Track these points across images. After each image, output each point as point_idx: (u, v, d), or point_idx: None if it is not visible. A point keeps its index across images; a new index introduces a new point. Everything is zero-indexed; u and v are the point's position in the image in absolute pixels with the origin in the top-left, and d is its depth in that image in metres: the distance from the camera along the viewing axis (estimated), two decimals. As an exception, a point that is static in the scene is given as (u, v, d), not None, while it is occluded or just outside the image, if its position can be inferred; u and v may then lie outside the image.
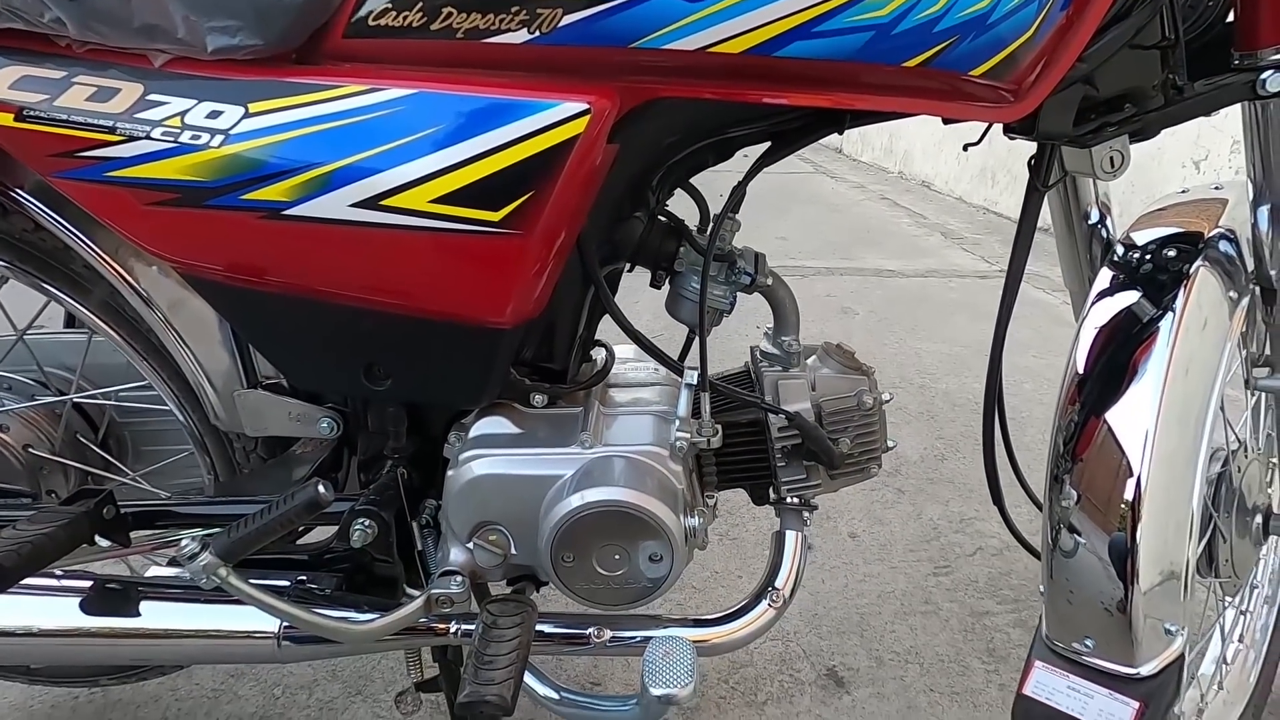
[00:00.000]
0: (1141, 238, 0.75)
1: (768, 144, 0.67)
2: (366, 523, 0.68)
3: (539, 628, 0.72)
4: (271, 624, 0.68)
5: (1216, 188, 0.79)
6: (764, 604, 0.73)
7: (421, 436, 0.74)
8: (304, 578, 0.72)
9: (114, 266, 0.68)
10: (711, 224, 0.69)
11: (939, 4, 0.50)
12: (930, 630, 1.14)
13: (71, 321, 0.91)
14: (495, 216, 0.55)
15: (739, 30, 0.50)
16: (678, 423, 0.67)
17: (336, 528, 0.69)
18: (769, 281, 0.72)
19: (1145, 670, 0.63)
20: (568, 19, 0.51)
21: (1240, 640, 0.97)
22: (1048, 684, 0.67)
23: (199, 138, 0.54)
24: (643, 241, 0.69)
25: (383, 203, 0.54)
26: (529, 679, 0.73)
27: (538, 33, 0.51)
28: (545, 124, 0.53)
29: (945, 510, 1.45)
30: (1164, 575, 0.64)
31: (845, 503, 1.46)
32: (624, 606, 0.68)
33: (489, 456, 0.67)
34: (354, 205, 0.54)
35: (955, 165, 4.75)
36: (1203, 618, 0.88)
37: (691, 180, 0.71)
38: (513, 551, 0.68)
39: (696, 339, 0.70)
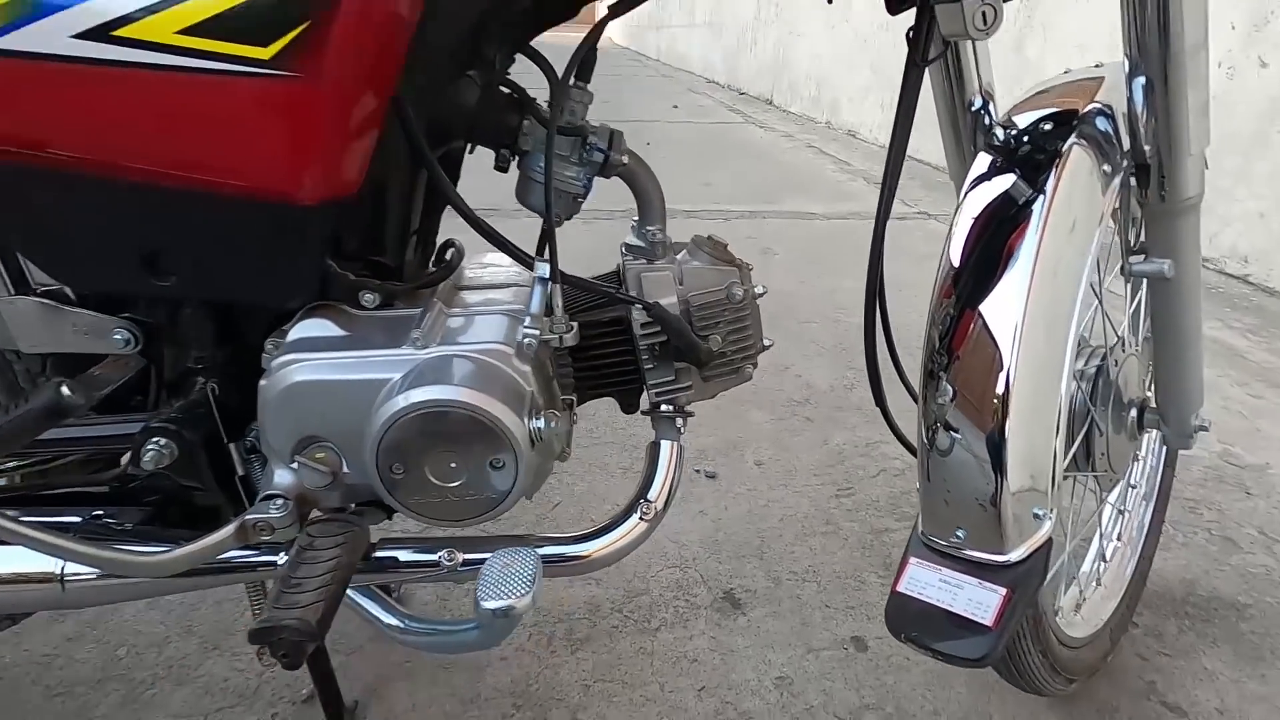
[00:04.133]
0: (1021, 120, 0.71)
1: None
2: (163, 442, 0.58)
3: (389, 554, 0.66)
4: (53, 565, 0.59)
5: (1097, 65, 0.76)
6: (634, 517, 0.68)
7: (236, 346, 0.64)
8: (100, 512, 0.62)
9: None
10: (552, 91, 0.61)
11: None
12: (829, 550, 1.13)
13: None
14: (265, 54, 0.46)
15: None
16: (527, 320, 0.61)
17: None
18: (625, 160, 0.65)
19: (1014, 556, 0.61)
20: None
21: (1118, 538, 0.98)
22: (920, 579, 0.64)
23: None
24: (478, 113, 0.61)
25: (114, 33, 0.44)
26: (376, 610, 0.66)
27: None
28: (314, -67, 0.44)
29: (851, 435, 1.44)
30: (1033, 467, 0.62)
31: (753, 433, 1.43)
32: (471, 521, 0.61)
33: (307, 361, 0.58)
34: (76, 37, 0.44)
35: (880, 114, 4.76)
36: (1079, 516, 0.88)
37: (533, 44, 0.63)
38: (345, 470, 0.60)
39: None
